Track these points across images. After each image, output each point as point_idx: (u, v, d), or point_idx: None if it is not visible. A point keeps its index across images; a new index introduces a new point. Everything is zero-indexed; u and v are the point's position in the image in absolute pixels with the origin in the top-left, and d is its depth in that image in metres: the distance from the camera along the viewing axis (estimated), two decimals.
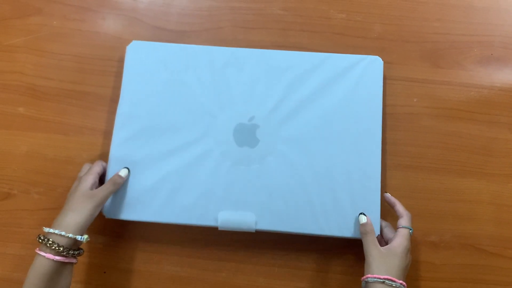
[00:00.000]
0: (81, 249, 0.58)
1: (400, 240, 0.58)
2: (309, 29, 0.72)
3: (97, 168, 0.63)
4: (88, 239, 0.58)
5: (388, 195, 0.64)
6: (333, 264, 0.67)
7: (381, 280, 0.54)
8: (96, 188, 0.61)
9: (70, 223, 0.56)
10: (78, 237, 0.56)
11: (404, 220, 0.60)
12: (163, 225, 0.65)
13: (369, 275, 0.55)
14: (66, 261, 0.55)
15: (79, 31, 0.73)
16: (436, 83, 0.70)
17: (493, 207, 0.67)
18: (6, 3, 0.75)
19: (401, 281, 0.55)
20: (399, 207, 0.62)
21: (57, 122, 0.71)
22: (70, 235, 0.55)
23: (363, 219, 0.61)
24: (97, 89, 0.71)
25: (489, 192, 0.68)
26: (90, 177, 0.61)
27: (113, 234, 0.68)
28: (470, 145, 0.69)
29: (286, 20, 0.73)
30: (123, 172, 0.64)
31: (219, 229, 0.63)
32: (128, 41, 0.68)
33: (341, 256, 0.67)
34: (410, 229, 0.60)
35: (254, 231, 0.63)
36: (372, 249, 0.57)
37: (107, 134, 0.70)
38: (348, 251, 0.67)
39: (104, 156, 0.69)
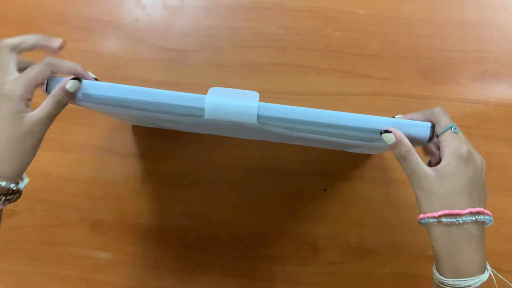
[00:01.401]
0: (18, 192, 0.44)
1: (449, 149, 0.42)
2: (307, 47, 0.74)
3: (31, 70, 0.42)
4: (25, 182, 0.44)
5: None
6: (334, 279, 0.67)
7: (435, 220, 0.40)
8: (28, 105, 0.42)
9: (5, 169, 0.41)
10: (11, 185, 0.42)
11: (440, 120, 0.44)
12: (163, 244, 0.66)
13: (421, 216, 0.41)
14: None
15: (82, 51, 0.75)
16: (432, 98, 0.71)
17: None
18: (12, 23, 0.77)
19: (472, 209, 0.39)
20: (420, 114, 0.45)
21: (60, 141, 0.72)
22: (3, 183, 0.41)
23: (390, 138, 0.42)
24: None
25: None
26: (17, 91, 0.40)
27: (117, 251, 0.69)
28: None
29: (284, 39, 0.74)
30: (72, 86, 0.43)
31: (206, 116, 0.45)
32: (130, 61, 0.70)
33: (341, 271, 0.68)
34: (453, 127, 0.43)
35: (256, 122, 0.45)
36: (418, 177, 0.41)
37: (110, 152, 0.71)
38: (347, 266, 0.68)
39: (108, 172, 0.71)
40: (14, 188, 0.42)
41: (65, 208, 0.70)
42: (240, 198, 0.72)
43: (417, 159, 0.42)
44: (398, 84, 0.72)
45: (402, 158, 0.43)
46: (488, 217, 0.41)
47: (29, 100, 0.42)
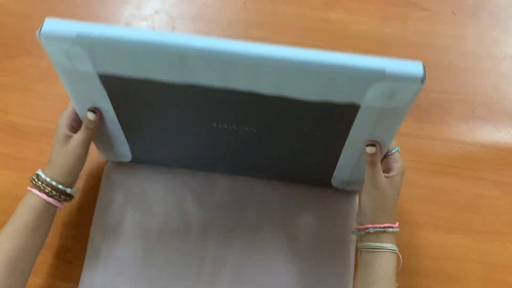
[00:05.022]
0: (71, 195, 0.58)
1: (399, 165, 0.56)
2: None
3: (71, 107, 0.59)
4: (76, 191, 0.59)
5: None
6: None
7: (381, 229, 0.54)
8: (75, 130, 0.58)
9: (54, 174, 0.56)
10: (67, 190, 0.57)
11: (391, 144, 0.56)
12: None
13: (369, 225, 0.55)
14: (56, 204, 0.56)
15: None
16: (420, 137, 0.71)
17: (481, 266, 0.65)
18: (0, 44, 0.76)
19: (396, 225, 0.55)
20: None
21: (34, 161, 0.69)
22: (61, 186, 0.56)
23: (371, 149, 0.53)
24: None
25: (477, 250, 0.65)
26: (64, 121, 0.58)
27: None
28: (456, 201, 0.67)
29: None
30: (90, 116, 0.55)
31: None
32: None
33: None
34: (398, 149, 0.57)
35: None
36: (377, 179, 0.54)
37: (82, 176, 0.68)
38: None
39: (76, 196, 0.67)
40: (67, 191, 0.57)
41: None
42: None
43: (380, 167, 0.55)
44: None
45: (373, 164, 0.54)
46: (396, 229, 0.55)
47: (73, 127, 0.58)
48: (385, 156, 0.57)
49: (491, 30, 0.77)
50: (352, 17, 0.77)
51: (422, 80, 0.43)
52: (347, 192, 0.66)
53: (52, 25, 0.43)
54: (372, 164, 0.54)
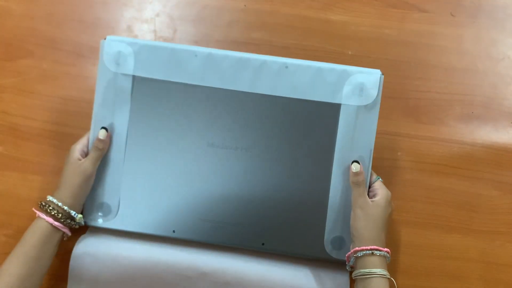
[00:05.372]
0: (79, 222, 0.61)
1: (383, 191, 0.60)
2: None
3: (86, 137, 0.65)
4: (82, 220, 0.61)
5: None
6: None
7: (368, 252, 0.56)
8: (86, 156, 0.63)
9: (63, 196, 0.60)
10: (72, 213, 0.60)
11: (373, 174, 0.63)
12: None
13: (356, 248, 0.57)
14: (62, 229, 0.59)
15: (68, 75, 0.74)
16: (419, 138, 0.71)
17: (481, 265, 0.65)
18: (1, 46, 0.76)
19: (386, 249, 0.56)
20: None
21: (35, 163, 0.69)
22: (66, 208, 0.59)
23: (356, 167, 0.60)
24: (80, 131, 0.70)
25: (476, 250, 0.66)
26: (76, 146, 0.63)
27: None
28: (455, 201, 0.68)
29: None
30: (101, 134, 0.63)
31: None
32: None
33: None
34: (379, 178, 0.63)
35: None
36: (363, 199, 0.59)
37: None
38: None
39: None
40: (72, 214, 0.60)
41: None
42: None
43: (365, 189, 0.60)
44: (386, 122, 0.71)
45: (357, 184, 0.60)
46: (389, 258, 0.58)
47: (84, 152, 0.64)
48: (369, 187, 0.62)
49: (489, 31, 0.77)
50: (351, 18, 0.77)
51: (381, 74, 0.63)
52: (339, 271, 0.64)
53: (114, 36, 0.65)
54: (357, 184, 0.60)
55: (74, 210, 0.60)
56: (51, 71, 0.75)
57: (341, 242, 0.62)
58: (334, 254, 0.62)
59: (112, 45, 0.64)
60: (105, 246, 0.63)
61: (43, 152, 0.70)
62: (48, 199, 0.60)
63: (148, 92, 0.64)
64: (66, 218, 0.59)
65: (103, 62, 0.64)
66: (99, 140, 0.63)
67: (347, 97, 0.62)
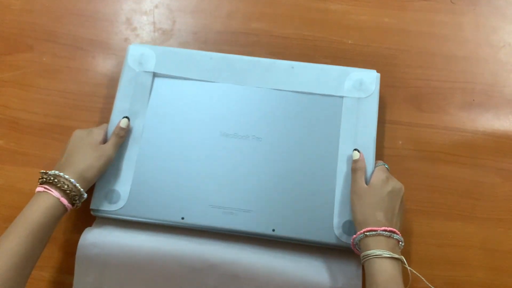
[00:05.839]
0: (80, 199, 0.59)
1: (376, 173, 0.60)
2: None
3: (106, 125, 0.66)
4: (85, 197, 0.59)
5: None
6: None
7: (362, 235, 0.56)
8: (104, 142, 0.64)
9: (76, 175, 0.58)
10: (82, 191, 0.58)
11: (378, 163, 0.63)
12: None
13: (354, 236, 0.57)
14: (66, 205, 0.57)
15: (68, 68, 0.74)
16: (420, 126, 0.71)
17: (483, 252, 0.65)
18: (0, 40, 0.76)
19: (381, 228, 0.55)
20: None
21: (37, 156, 0.69)
22: (79, 185, 0.57)
23: (356, 155, 0.63)
24: (81, 124, 0.71)
25: (479, 237, 0.66)
26: (101, 131, 0.64)
27: None
28: (457, 188, 0.68)
29: None
30: (123, 123, 0.64)
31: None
32: (117, 80, 0.69)
33: None
34: (384, 164, 0.62)
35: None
36: (357, 185, 0.60)
37: None
38: None
39: None
40: (82, 192, 0.58)
41: None
42: None
43: (362, 175, 0.61)
44: (387, 111, 0.71)
45: (355, 171, 0.62)
46: (399, 237, 0.56)
47: (104, 139, 0.64)
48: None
49: (489, 18, 0.77)
50: (351, 7, 0.77)
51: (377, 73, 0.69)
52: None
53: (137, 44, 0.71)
54: (355, 171, 0.61)
55: (83, 187, 0.58)
56: (51, 65, 0.74)
57: (351, 227, 0.62)
58: (344, 239, 0.62)
59: (137, 48, 0.69)
60: (112, 236, 0.62)
61: (44, 145, 0.70)
62: (57, 173, 0.57)
63: (166, 87, 0.69)
64: (75, 196, 0.57)
65: (127, 63, 0.69)
66: (121, 128, 0.64)
67: (348, 91, 0.68)
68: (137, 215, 0.63)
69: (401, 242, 0.56)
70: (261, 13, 0.77)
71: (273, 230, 0.63)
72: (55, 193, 0.55)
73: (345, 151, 0.65)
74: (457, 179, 0.68)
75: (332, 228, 0.62)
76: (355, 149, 0.64)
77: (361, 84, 0.68)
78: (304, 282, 0.60)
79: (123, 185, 0.64)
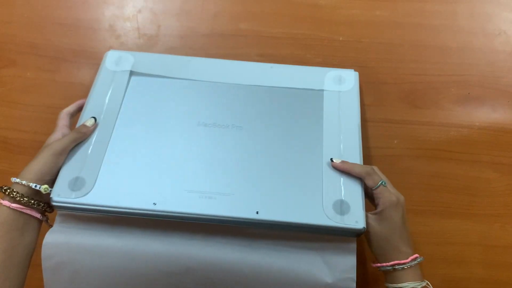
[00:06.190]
0: (48, 203, 0.55)
1: (382, 200, 0.55)
2: None
3: (62, 121, 0.62)
4: (48, 190, 0.54)
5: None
6: None
7: (390, 268, 0.53)
8: None
9: (26, 172, 0.54)
10: (32, 185, 0.53)
11: (371, 180, 0.56)
12: None
13: (378, 264, 0.55)
14: (25, 211, 0.54)
15: (54, 82, 0.72)
16: (415, 123, 0.70)
17: (481, 248, 0.65)
18: None
19: (402, 261, 0.53)
20: (357, 169, 0.57)
21: None
22: (24, 182, 0.53)
23: (335, 161, 0.58)
24: None
25: (476, 233, 0.66)
26: (55, 135, 0.60)
27: None
28: (453, 185, 0.68)
29: None
30: (89, 122, 0.61)
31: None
32: None
33: None
34: (383, 183, 0.56)
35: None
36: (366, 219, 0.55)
37: None
38: None
39: None
40: (37, 188, 0.54)
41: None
42: None
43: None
44: (380, 110, 0.70)
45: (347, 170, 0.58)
46: (421, 258, 0.55)
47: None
48: (371, 193, 0.57)
49: (484, 5, 0.74)
50: (341, 2, 0.75)
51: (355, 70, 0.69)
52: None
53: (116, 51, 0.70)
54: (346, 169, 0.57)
55: (37, 184, 0.54)
56: (35, 79, 0.73)
57: (344, 206, 0.56)
58: (338, 219, 0.55)
59: (115, 53, 0.69)
60: (77, 238, 0.57)
61: None
62: (12, 181, 0.54)
63: (144, 83, 0.67)
64: (29, 198, 0.53)
65: (104, 65, 0.67)
66: (84, 125, 0.60)
67: (328, 85, 0.67)
68: (103, 203, 0.56)
69: (420, 259, 0.55)
70: (248, 12, 0.75)
71: (257, 213, 0.56)
72: (5, 202, 0.53)
73: (330, 137, 0.61)
74: (453, 176, 0.68)
75: (322, 209, 0.56)
76: (331, 159, 0.59)
77: (340, 80, 0.67)
78: (294, 279, 0.56)
79: (89, 172, 0.58)
